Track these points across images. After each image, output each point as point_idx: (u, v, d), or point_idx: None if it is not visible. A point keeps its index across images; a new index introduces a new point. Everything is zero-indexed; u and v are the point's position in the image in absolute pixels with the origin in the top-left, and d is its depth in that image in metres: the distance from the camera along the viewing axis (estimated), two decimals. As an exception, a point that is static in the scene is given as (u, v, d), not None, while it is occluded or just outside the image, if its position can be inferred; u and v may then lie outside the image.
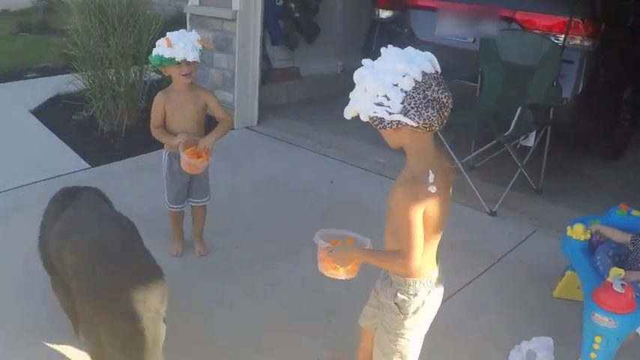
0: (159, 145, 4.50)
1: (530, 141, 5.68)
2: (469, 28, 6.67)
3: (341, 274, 2.67)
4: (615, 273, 3.25)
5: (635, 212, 4.10)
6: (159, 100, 4.23)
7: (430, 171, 2.32)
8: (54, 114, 7.66)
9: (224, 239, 4.73)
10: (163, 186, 4.45)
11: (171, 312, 3.02)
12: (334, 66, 9.61)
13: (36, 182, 5.52)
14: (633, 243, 3.74)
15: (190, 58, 4.04)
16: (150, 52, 4.12)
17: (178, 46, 3.98)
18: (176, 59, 4.01)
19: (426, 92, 2.20)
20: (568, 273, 4.10)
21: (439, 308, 2.70)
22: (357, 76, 2.31)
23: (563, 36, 5.94)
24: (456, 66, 6.10)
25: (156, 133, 4.25)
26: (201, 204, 4.55)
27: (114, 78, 7.02)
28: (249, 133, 7.40)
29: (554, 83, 5.65)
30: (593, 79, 6.09)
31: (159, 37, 4.20)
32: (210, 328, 3.77)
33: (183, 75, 4.12)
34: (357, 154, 6.63)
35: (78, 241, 3.00)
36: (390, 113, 2.22)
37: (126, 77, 7.03)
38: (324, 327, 3.83)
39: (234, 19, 7.16)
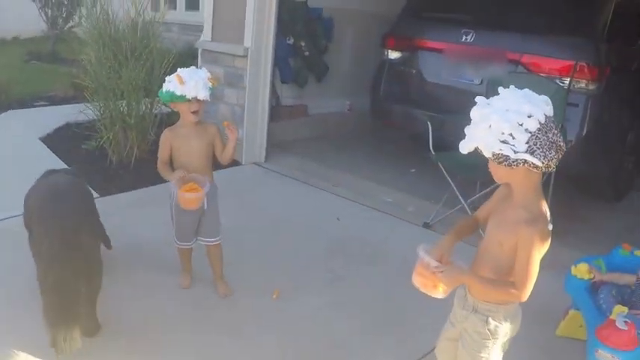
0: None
1: (535, 182, 5.72)
2: (476, 70, 6.75)
3: (439, 293, 2.63)
4: (618, 310, 3.30)
5: (637, 252, 4.14)
6: (165, 137, 4.25)
7: (547, 209, 2.48)
8: (63, 142, 7.73)
9: (231, 273, 4.71)
10: (171, 221, 4.42)
11: (180, 348, 3.07)
12: (342, 105, 9.70)
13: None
14: (638, 282, 3.78)
15: (201, 97, 4.06)
16: (161, 85, 4.15)
17: (190, 84, 4.00)
18: (187, 97, 4.02)
19: (548, 134, 2.35)
20: (571, 312, 4.13)
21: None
22: (478, 113, 2.41)
23: (568, 79, 6.02)
24: (463, 107, 6.17)
25: (160, 169, 4.26)
26: (211, 243, 4.46)
27: (125, 109, 7.07)
28: (257, 169, 7.46)
29: (560, 126, 5.69)
30: (597, 123, 6.14)
31: (171, 71, 4.27)
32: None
33: (192, 112, 4.13)
34: (364, 193, 6.67)
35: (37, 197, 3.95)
36: (515, 152, 2.33)
37: (137, 109, 7.08)
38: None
39: (245, 56, 7.26)
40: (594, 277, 3.96)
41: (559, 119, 5.63)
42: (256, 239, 5.48)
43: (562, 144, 2.39)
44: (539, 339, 4.19)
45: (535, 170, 2.39)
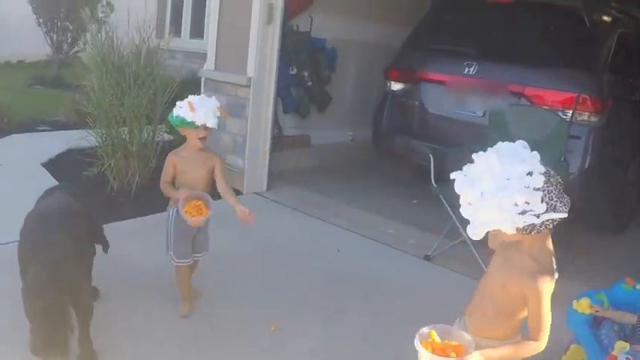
0: (168, 206, 4.59)
1: (537, 215, 5.70)
2: (479, 102, 6.77)
3: None
4: (620, 347, 3.28)
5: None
6: (170, 160, 4.39)
7: (554, 259, 2.48)
8: (65, 168, 7.74)
9: (230, 303, 4.74)
10: (168, 243, 4.47)
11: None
12: (344, 135, 9.71)
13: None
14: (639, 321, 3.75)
15: (210, 125, 4.23)
16: (164, 113, 4.24)
17: (200, 111, 4.16)
18: (196, 123, 4.18)
19: (551, 179, 2.30)
20: (572, 346, 4.09)
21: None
22: (472, 196, 2.31)
23: (570, 112, 6.02)
24: (466, 139, 6.18)
25: (163, 188, 4.41)
26: (200, 258, 4.62)
27: (127, 137, 7.07)
28: (258, 198, 7.44)
29: (562, 158, 5.70)
30: (599, 155, 6.16)
31: (173, 99, 4.34)
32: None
33: (199, 138, 4.28)
34: (365, 224, 6.65)
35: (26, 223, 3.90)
36: (538, 216, 2.26)
37: (139, 137, 7.09)
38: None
39: (248, 86, 7.27)
40: (597, 312, 3.92)
41: (560, 152, 5.65)
42: (255, 269, 5.47)
43: (561, 180, 2.35)
44: (540, 373, 4.17)
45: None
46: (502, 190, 2.22)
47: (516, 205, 2.22)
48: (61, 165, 7.90)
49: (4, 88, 12.44)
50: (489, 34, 7.05)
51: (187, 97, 4.28)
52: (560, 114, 6.00)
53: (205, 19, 13.08)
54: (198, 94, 4.50)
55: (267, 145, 7.63)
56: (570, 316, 4.00)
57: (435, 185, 5.74)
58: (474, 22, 7.27)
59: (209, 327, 4.41)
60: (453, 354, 2.45)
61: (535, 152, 2.35)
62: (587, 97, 6.03)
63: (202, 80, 8.00)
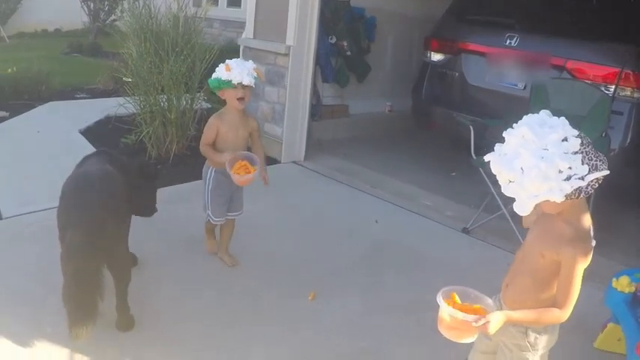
0: (204, 167, 4.72)
1: (577, 191, 5.65)
2: (520, 74, 6.68)
3: (470, 340, 2.56)
4: (660, 325, 3.24)
5: (680, 265, 4.07)
6: (213, 122, 4.53)
7: (591, 227, 2.45)
8: (103, 136, 7.79)
9: (269, 276, 4.75)
10: (205, 203, 4.64)
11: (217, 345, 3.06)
12: (383, 106, 9.68)
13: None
14: None
15: (245, 82, 4.36)
16: (203, 81, 4.28)
17: (235, 70, 4.33)
18: (232, 82, 4.34)
19: (583, 140, 2.28)
20: (610, 325, 4.06)
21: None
22: (512, 172, 2.30)
23: (613, 87, 5.94)
24: (506, 112, 6.11)
25: (205, 150, 4.55)
26: (236, 216, 4.82)
27: (165, 104, 7.09)
28: (296, 167, 7.44)
29: (603, 134, 5.62)
30: (641, 131, 6.05)
31: (212, 67, 4.47)
32: None
33: (237, 99, 4.42)
34: (403, 195, 6.63)
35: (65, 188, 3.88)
36: (583, 178, 2.24)
37: (177, 105, 7.10)
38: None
39: (287, 54, 7.24)
40: (636, 290, 3.88)
41: (602, 127, 5.57)
42: (293, 239, 5.46)
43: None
44: (576, 351, 4.13)
45: None
46: (544, 160, 2.21)
47: (560, 172, 2.21)
48: (99, 132, 7.95)
49: (42, 57, 12.53)
50: (531, 5, 6.97)
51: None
52: (602, 89, 5.91)
53: (243, -13, 13.04)
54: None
55: (305, 114, 7.61)
56: (609, 294, 3.97)
57: (474, 157, 5.69)
58: (516, -7, 7.17)
59: (249, 300, 4.41)
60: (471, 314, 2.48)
61: (563, 118, 2.33)
62: (630, 72, 5.93)
63: (241, 48, 7.98)
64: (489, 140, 2.59)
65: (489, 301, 2.58)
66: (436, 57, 7.74)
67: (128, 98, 7.29)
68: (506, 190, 2.36)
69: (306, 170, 7.35)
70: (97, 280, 3.51)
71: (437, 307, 2.60)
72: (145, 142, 7.06)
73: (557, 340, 2.74)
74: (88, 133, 7.91)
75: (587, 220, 2.44)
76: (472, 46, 7.25)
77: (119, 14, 13.36)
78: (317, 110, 8.50)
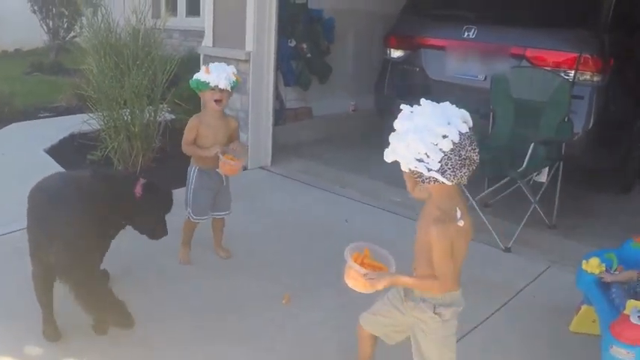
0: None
1: (543, 177, 5.71)
2: (480, 66, 6.73)
3: (368, 290, 2.93)
4: (632, 305, 3.26)
5: (649, 245, 4.10)
6: (194, 122, 4.76)
7: (457, 208, 2.71)
8: (68, 153, 7.71)
9: (241, 277, 4.77)
10: (187, 200, 4.84)
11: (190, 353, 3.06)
12: (346, 106, 9.71)
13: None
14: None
15: (222, 85, 4.56)
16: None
17: (214, 74, 4.55)
18: (211, 84, 4.55)
19: (461, 152, 2.55)
20: (584, 307, 4.10)
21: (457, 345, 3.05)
22: (400, 127, 2.65)
23: (573, 72, 6.00)
24: (468, 103, 6.14)
25: (189, 149, 4.78)
26: (224, 216, 5.02)
27: (129, 118, 7.04)
28: (263, 173, 7.43)
29: (566, 119, 5.68)
30: (603, 114, 6.13)
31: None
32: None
33: (215, 100, 4.62)
34: (371, 193, 6.65)
35: None
36: (429, 170, 2.56)
37: (141, 117, 7.05)
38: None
39: (247, 60, 7.23)
40: (603, 278, 3.91)
41: (564, 112, 5.64)
42: (264, 243, 5.46)
43: (475, 157, 2.60)
44: (552, 335, 4.18)
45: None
46: (416, 135, 2.54)
47: (419, 152, 2.54)
48: (65, 150, 7.86)
49: (3, 77, 12.44)
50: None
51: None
52: (562, 74, 5.97)
53: (201, -4, 13.00)
54: (198, 71, 4.70)
55: (269, 119, 7.61)
56: (579, 276, 4.02)
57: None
58: (471, -15, 7.23)
59: (221, 300, 4.43)
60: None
61: (466, 124, 2.61)
62: (589, 56, 6.00)
63: (201, 57, 7.96)
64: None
65: (393, 263, 2.98)
66: (396, 53, 7.79)
67: (91, 114, 7.22)
68: (390, 137, 2.69)
69: (273, 175, 7.35)
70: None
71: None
72: (111, 157, 7.01)
73: (464, 307, 2.99)
74: (54, 151, 7.80)
75: (453, 203, 2.72)
76: (431, 41, 7.29)
77: (78, 30, 13.30)
78: (281, 114, 8.50)
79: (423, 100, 2.68)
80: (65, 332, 3.85)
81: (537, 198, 5.68)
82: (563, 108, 5.68)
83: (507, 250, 5.39)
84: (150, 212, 4.28)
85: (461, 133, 2.55)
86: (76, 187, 3.89)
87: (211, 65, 4.65)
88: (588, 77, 6.04)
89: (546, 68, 6.10)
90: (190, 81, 4.69)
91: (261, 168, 7.55)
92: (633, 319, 3.17)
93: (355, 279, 2.92)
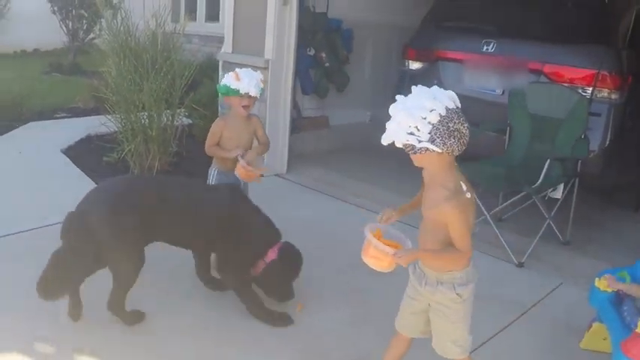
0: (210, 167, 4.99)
1: (559, 193, 5.71)
2: (498, 80, 6.74)
3: (385, 269, 3.04)
4: (644, 323, 3.28)
5: (662, 263, 4.10)
6: (218, 124, 4.93)
7: (461, 182, 2.86)
8: (85, 154, 7.76)
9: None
10: None
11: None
12: (363, 116, 9.70)
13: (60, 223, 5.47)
14: None
15: (253, 93, 4.74)
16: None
17: (244, 81, 4.69)
18: (240, 91, 4.70)
19: (449, 124, 2.70)
20: (595, 324, 4.10)
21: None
22: (392, 110, 2.78)
23: (590, 89, 5.99)
24: (485, 118, 6.16)
25: (212, 150, 4.93)
26: None
27: (146, 121, 7.07)
28: (279, 180, 7.45)
29: (582, 136, 5.68)
30: (620, 132, 6.12)
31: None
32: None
33: (242, 106, 4.80)
34: (386, 204, 6.56)
35: None
36: (420, 141, 2.71)
37: (158, 121, 7.08)
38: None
39: (266, 68, 7.27)
40: (610, 286, 3.93)
41: (581, 129, 5.64)
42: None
43: (465, 131, 2.75)
44: (563, 351, 4.18)
45: (444, 154, 2.76)
46: (405, 112, 2.70)
47: (409, 127, 2.70)
48: (81, 151, 7.91)
49: (21, 77, 12.52)
50: (507, 10, 7.00)
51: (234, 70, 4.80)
52: (580, 91, 5.97)
53: (220, 2, 13.04)
54: (217, 77, 4.77)
55: (286, 127, 7.65)
56: (592, 293, 4.02)
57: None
58: None
59: (233, 307, 4.40)
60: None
61: (452, 102, 2.75)
62: (607, 73, 5.99)
63: (220, 63, 8.00)
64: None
65: (409, 243, 3.10)
66: (414, 65, 7.79)
67: (109, 116, 7.26)
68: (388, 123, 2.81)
69: (289, 183, 7.37)
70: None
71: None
72: (128, 159, 7.04)
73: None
74: (70, 152, 7.86)
75: (456, 180, 2.86)
76: (449, 54, 7.29)
77: (98, 32, 13.36)
78: (298, 122, 8.51)
79: (414, 87, 2.81)
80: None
81: (552, 214, 5.68)
82: (580, 125, 5.68)
83: (520, 265, 5.39)
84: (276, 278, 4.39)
85: (448, 108, 2.70)
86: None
87: (240, 72, 4.73)
88: (606, 94, 6.03)
89: (564, 84, 6.10)
90: (219, 86, 4.80)
91: (277, 175, 7.57)
92: (644, 337, 3.18)
93: (376, 257, 3.01)
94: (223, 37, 8.06)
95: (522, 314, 4.61)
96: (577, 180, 5.76)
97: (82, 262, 3.91)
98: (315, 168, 7.91)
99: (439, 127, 2.68)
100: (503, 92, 6.59)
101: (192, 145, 7.59)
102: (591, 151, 5.89)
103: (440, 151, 2.71)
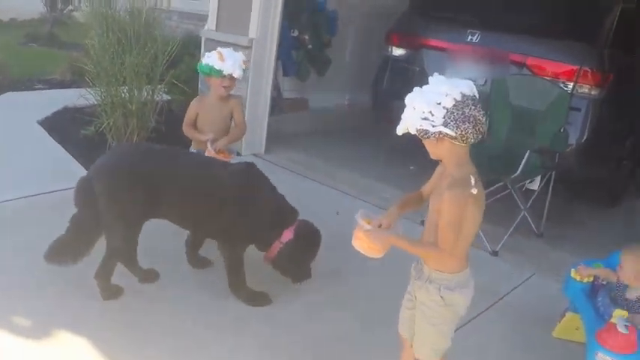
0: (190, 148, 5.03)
1: (535, 185, 5.76)
2: (480, 70, 6.76)
3: (374, 253, 3.01)
4: (619, 314, 3.32)
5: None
6: (193, 106, 5.05)
7: (471, 176, 2.75)
8: (62, 126, 7.67)
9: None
10: None
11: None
12: (343, 99, 9.71)
13: (36, 194, 5.43)
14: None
15: (236, 75, 4.84)
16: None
17: (228, 62, 4.75)
18: (224, 72, 4.77)
19: (464, 110, 2.65)
20: (568, 314, 4.16)
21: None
22: (408, 99, 2.75)
23: (572, 84, 6.05)
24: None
25: (187, 131, 5.03)
26: None
27: (126, 96, 7.00)
28: (256, 160, 7.37)
29: (562, 129, 5.72)
30: (598, 128, 6.20)
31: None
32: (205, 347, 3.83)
33: (223, 86, 4.87)
34: (362, 188, 6.68)
35: None
36: (434, 126, 2.66)
37: (139, 96, 7.02)
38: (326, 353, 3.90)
39: (249, 47, 7.23)
40: (585, 273, 3.99)
41: (561, 123, 5.68)
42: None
43: (481, 118, 2.70)
44: (534, 340, 4.24)
45: (455, 142, 2.70)
46: (420, 97, 2.70)
47: (423, 112, 2.68)
48: (58, 123, 7.82)
49: (-2, 46, 12.38)
50: (493, 2, 7.04)
51: (216, 49, 4.83)
52: (561, 85, 6.02)
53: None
54: (198, 54, 4.77)
55: (266, 108, 7.65)
56: (567, 284, 4.07)
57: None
58: (477, -10, 7.25)
59: (208, 282, 4.46)
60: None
61: (469, 89, 2.73)
62: (589, 69, 6.06)
63: (202, 40, 7.95)
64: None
65: (400, 228, 3.09)
66: (397, 52, 7.80)
67: (88, 89, 7.19)
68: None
69: (266, 163, 7.34)
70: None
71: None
72: (105, 133, 6.98)
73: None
74: (47, 123, 7.77)
75: (467, 172, 2.78)
76: (433, 42, 7.31)
77: (77, 4, 13.24)
78: (278, 102, 8.51)
79: (431, 77, 2.80)
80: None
81: (528, 205, 5.73)
82: (560, 118, 5.72)
83: (494, 253, 5.44)
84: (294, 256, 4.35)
85: (464, 94, 2.68)
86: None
87: (224, 51, 4.75)
88: (586, 90, 6.10)
89: (546, 78, 6.14)
90: (200, 65, 4.81)
91: (255, 155, 7.56)
92: (620, 328, 3.23)
93: (361, 239, 3.03)
94: (203, 15, 8.02)
95: (495, 302, 4.66)
96: (554, 173, 5.81)
97: (94, 226, 3.94)
98: (292, 150, 7.92)
99: (454, 111, 2.64)
100: (485, 82, 6.62)
101: (172, 121, 7.55)
102: (569, 145, 5.95)
103: (453, 134, 2.65)
